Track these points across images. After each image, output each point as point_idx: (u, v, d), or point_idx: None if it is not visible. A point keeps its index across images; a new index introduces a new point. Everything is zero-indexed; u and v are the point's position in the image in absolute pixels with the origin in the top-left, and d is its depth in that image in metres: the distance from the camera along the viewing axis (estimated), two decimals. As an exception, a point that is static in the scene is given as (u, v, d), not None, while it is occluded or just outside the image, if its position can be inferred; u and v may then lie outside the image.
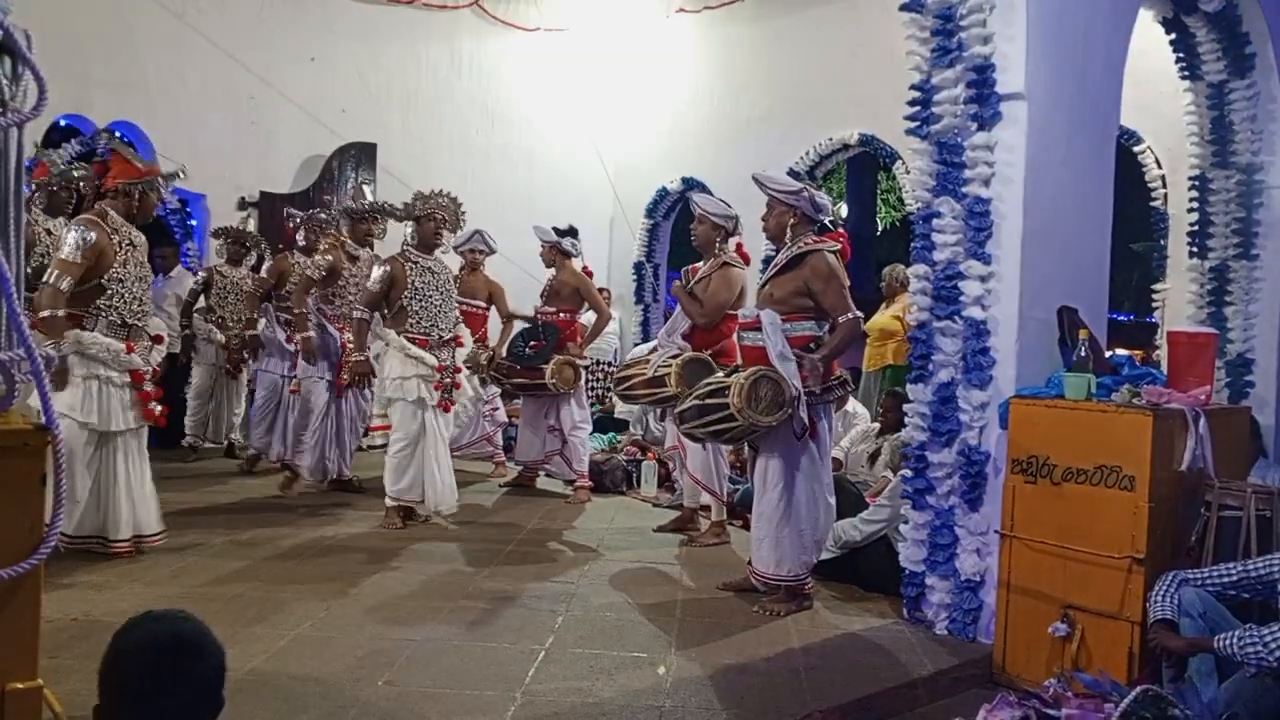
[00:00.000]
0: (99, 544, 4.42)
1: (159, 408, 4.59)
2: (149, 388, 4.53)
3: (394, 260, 5.50)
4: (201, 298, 7.45)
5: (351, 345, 5.70)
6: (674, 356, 4.99)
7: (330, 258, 6.22)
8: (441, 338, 5.51)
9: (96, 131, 7.77)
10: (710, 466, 5.21)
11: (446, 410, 5.50)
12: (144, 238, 4.60)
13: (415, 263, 5.48)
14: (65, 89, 7.26)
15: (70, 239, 4.21)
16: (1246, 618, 3.01)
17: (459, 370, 5.60)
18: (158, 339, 4.71)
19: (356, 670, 3.27)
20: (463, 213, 5.79)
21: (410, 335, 5.40)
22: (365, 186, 7.63)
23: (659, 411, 6.15)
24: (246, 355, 6.98)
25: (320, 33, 8.88)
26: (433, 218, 5.51)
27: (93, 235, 4.24)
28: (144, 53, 8.00)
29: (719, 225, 5.09)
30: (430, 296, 5.47)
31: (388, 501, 5.40)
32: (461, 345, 5.70)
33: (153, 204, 4.56)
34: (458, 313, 5.74)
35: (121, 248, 4.39)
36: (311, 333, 6.13)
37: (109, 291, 4.34)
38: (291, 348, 6.48)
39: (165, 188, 4.68)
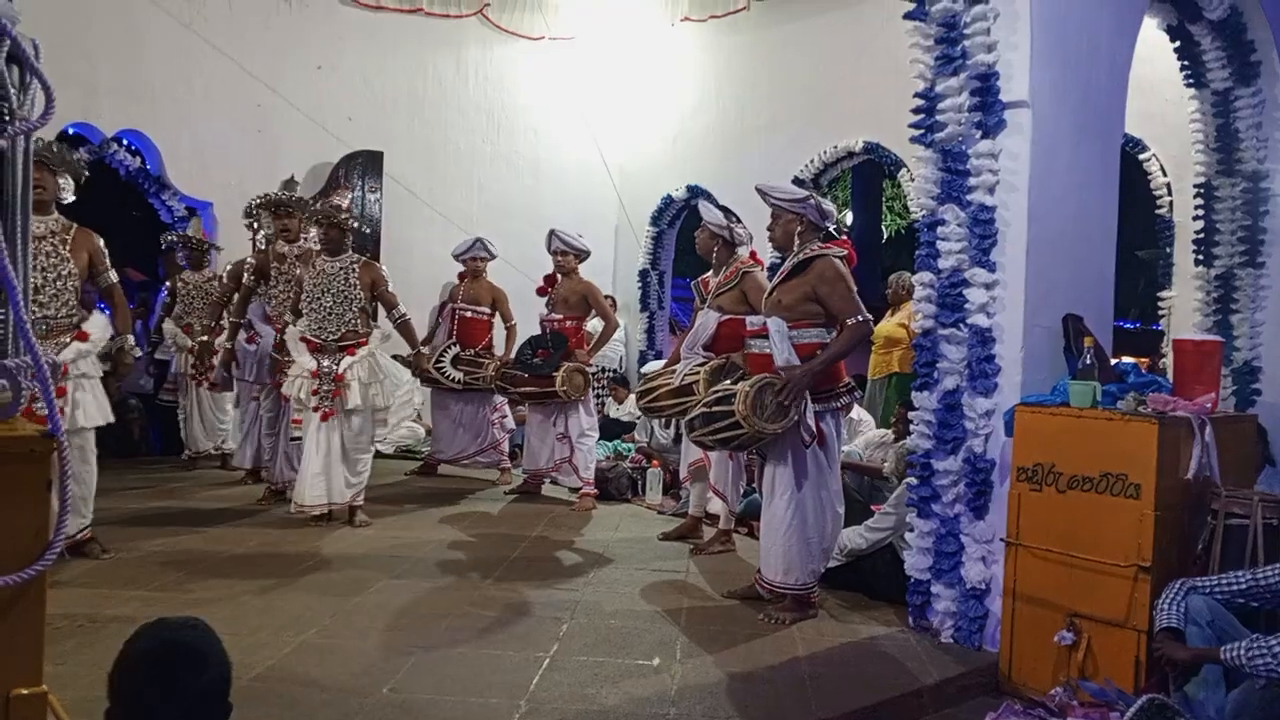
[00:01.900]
0: None
1: (58, 406, 4.30)
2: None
3: (305, 258, 5.79)
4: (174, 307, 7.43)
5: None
6: (700, 365, 4.93)
7: (254, 260, 6.25)
8: (330, 341, 5.49)
9: (104, 140, 7.84)
10: (726, 474, 5.22)
11: (324, 420, 5.40)
12: (68, 225, 4.41)
13: (313, 265, 5.64)
14: (73, 97, 7.28)
15: None
16: (1253, 626, 2.99)
17: (340, 378, 5.40)
18: (80, 335, 4.44)
19: (361, 677, 3.27)
20: (355, 227, 5.93)
21: (304, 336, 5.54)
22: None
23: (664, 419, 6.12)
24: (214, 363, 6.62)
25: (327, 41, 8.89)
26: (336, 224, 5.61)
27: None
28: (151, 61, 8.02)
29: (716, 234, 5.20)
30: (319, 299, 5.54)
31: None
32: (353, 354, 5.47)
33: (43, 180, 4.19)
34: (353, 320, 5.52)
35: None
36: (227, 343, 6.23)
37: None
38: (252, 347, 6.44)
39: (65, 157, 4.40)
